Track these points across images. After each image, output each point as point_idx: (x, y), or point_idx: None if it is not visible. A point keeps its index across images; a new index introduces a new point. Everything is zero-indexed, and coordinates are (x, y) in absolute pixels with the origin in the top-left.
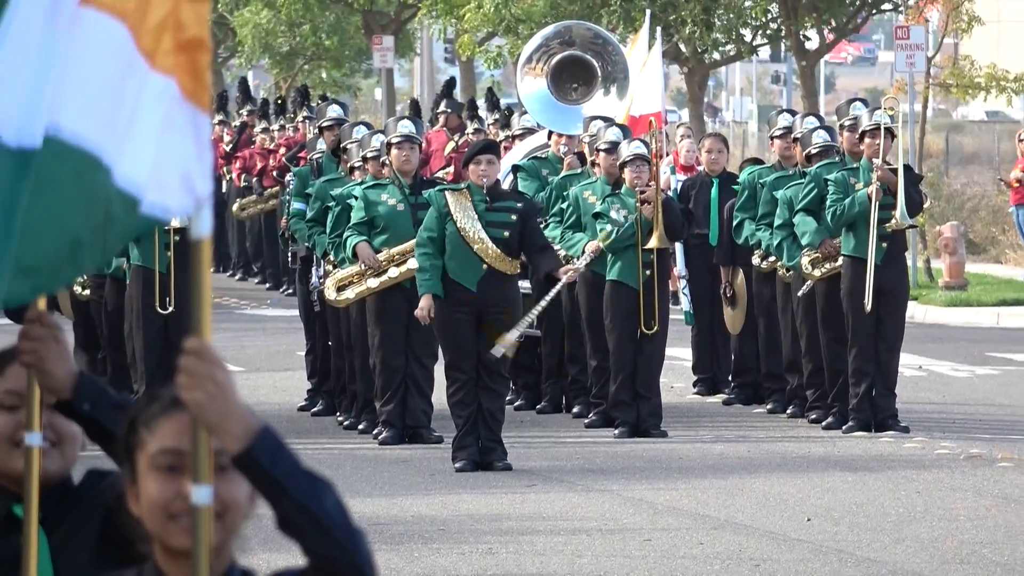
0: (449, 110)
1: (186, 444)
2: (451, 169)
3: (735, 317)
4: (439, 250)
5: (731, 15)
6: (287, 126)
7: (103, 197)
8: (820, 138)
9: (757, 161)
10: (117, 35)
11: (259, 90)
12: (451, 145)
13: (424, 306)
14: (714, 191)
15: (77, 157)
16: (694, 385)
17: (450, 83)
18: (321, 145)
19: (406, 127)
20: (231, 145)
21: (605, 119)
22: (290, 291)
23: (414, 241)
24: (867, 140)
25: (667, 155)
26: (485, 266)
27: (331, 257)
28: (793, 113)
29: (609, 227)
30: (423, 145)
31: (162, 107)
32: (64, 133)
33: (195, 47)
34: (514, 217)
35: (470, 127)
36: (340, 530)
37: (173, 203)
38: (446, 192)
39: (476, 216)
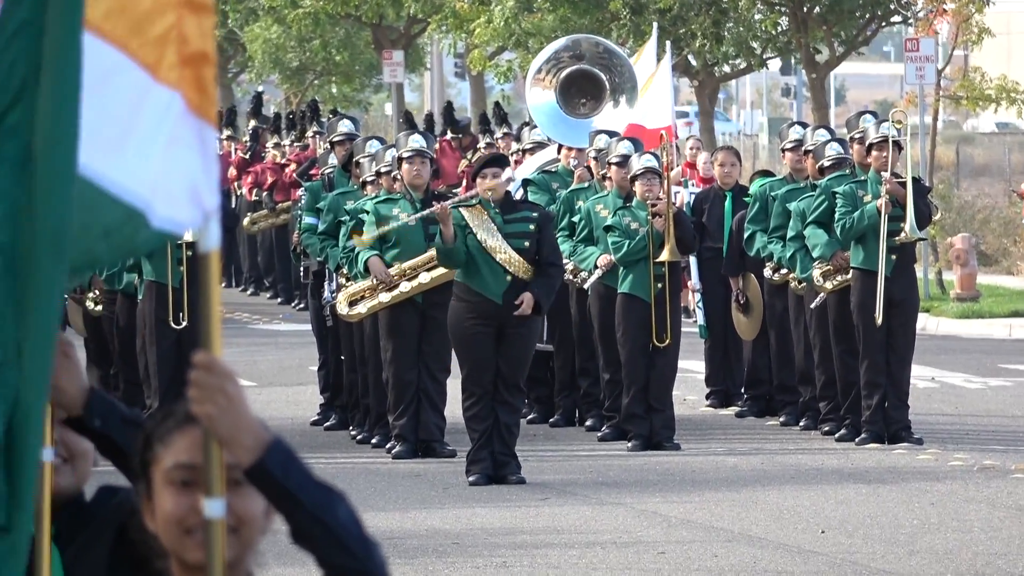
0: (459, 135)
1: (200, 459)
2: (465, 185)
3: (749, 324)
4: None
5: (741, 28)
6: (294, 144)
7: (88, 202)
8: (833, 150)
9: (768, 173)
10: (112, 59)
11: (270, 105)
12: (463, 163)
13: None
14: (727, 204)
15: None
16: (707, 397)
17: (448, 108)
18: (332, 160)
19: (417, 141)
20: (248, 152)
21: (610, 132)
22: (302, 305)
23: (426, 255)
24: (875, 153)
25: (676, 167)
26: (509, 277)
27: (344, 271)
28: (804, 126)
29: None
30: (434, 159)
31: (168, 120)
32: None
33: (200, 61)
34: (532, 227)
35: (482, 141)
36: (354, 540)
37: (182, 217)
38: (460, 209)
39: (496, 228)
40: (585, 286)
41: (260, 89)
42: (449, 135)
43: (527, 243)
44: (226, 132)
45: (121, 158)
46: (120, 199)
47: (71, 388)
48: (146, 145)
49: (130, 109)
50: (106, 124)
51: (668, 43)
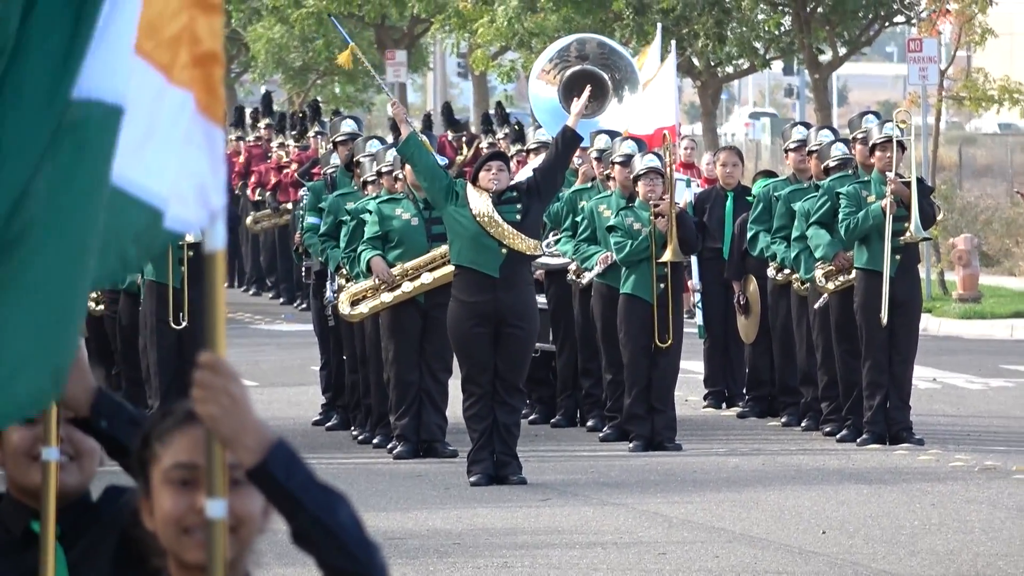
0: (459, 134)
1: (200, 458)
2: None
3: (749, 326)
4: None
5: (744, 28)
6: (293, 144)
7: (119, 208)
8: (839, 151)
9: (770, 174)
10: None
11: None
12: (459, 159)
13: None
14: (728, 204)
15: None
16: (704, 398)
17: (446, 107)
18: (335, 160)
19: None
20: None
21: (612, 132)
22: (304, 306)
23: (428, 255)
24: (878, 153)
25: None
26: (504, 250)
27: (345, 271)
28: (807, 126)
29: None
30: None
31: (182, 121)
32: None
33: (210, 60)
34: (517, 194)
35: (484, 141)
36: (355, 543)
37: (191, 216)
38: (469, 186)
39: (490, 202)
40: (584, 283)
41: (271, 90)
42: (449, 135)
43: (518, 215)
44: (235, 132)
45: (142, 161)
46: (145, 202)
47: (77, 388)
48: (163, 146)
49: (149, 112)
50: (128, 128)
51: (672, 43)
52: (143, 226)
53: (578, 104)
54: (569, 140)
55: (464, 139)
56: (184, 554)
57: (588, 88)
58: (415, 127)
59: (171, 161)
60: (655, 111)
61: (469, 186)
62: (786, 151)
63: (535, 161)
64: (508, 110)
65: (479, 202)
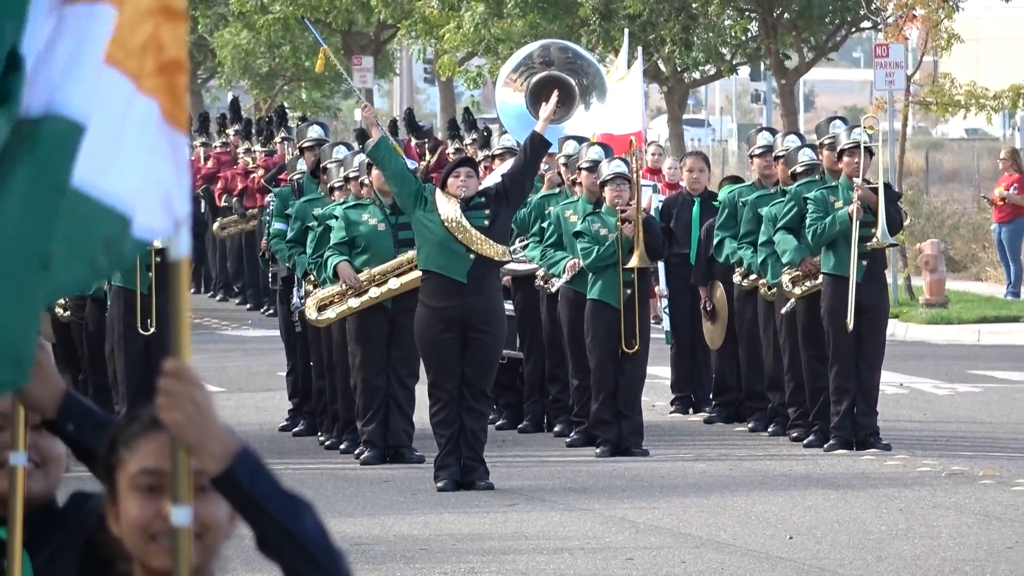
0: (423, 140)
1: (166, 464)
2: None
3: (715, 331)
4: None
5: (710, 34)
6: (259, 149)
7: (88, 216)
8: (806, 156)
9: (736, 179)
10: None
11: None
12: (422, 164)
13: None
14: (695, 210)
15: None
16: (671, 404)
17: (408, 113)
18: (301, 165)
19: None
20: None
21: (579, 138)
22: (271, 311)
23: (395, 261)
24: (846, 158)
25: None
26: (472, 256)
27: (312, 277)
28: (773, 132)
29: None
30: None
31: (149, 129)
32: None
33: (174, 68)
34: (485, 200)
35: (451, 147)
36: (320, 550)
37: (156, 224)
38: (438, 191)
39: (459, 208)
40: (553, 289)
41: (236, 96)
42: (413, 141)
43: (486, 222)
44: (200, 139)
45: (114, 169)
46: (115, 209)
47: (43, 391)
48: (132, 155)
49: (120, 120)
50: (98, 136)
51: (640, 49)
52: (113, 234)
53: (546, 109)
54: (538, 146)
55: (427, 145)
56: (150, 560)
57: (556, 93)
58: (385, 131)
59: (139, 169)
60: (622, 116)
61: (438, 191)
62: (751, 156)
63: (502, 167)
64: (475, 116)
65: (447, 208)
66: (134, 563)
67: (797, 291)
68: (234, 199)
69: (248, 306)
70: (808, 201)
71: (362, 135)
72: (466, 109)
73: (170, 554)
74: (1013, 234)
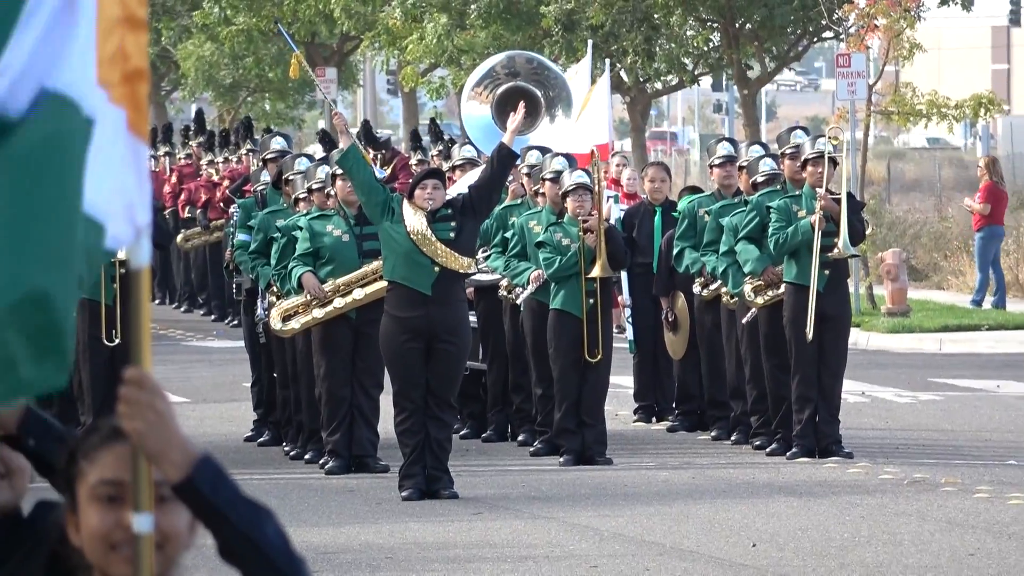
0: (380, 151)
1: (126, 475)
2: None
3: (677, 342)
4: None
5: (673, 44)
6: (231, 158)
7: (66, 225)
8: (767, 166)
9: (696, 190)
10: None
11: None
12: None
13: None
14: (657, 220)
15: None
16: (635, 412)
17: (365, 125)
18: (265, 177)
19: None
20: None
21: (543, 149)
22: (235, 322)
23: (360, 271)
24: (810, 168)
25: (602, 181)
26: (437, 268)
27: (275, 288)
28: (733, 141)
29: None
30: None
31: (119, 138)
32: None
33: (137, 77)
34: (451, 212)
35: (413, 158)
36: (281, 558)
37: (120, 234)
38: (405, 202)
39: (425, 220)
40: (518, 301)
41: (200, 107)
42: (371, 152)
43: (452, 234)
44: (163, 149)
45: (92, 177)
46: (93, 218)
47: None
48: (104, 164)
49: (98, 130)
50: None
51: (607, 61)
52: (92, 243)
53: (514, 121)
54: (505, 158)
55: (384, 156)
56: (111, 570)
57: (523, 105)
58: (355, 139)
59: (107, 178)
60: (588, 129)
61: (405, 203)
62: (711, 166)
63: (464, 178)
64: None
65: (413, 220)
66: (95, 573)
67: (759, 300)
68: (198, 211)
69: (213, 317)
70: (771, 210)
71: (325, 136)
72: (432, 120)
73: (131, 563)
74: (982, 243)
